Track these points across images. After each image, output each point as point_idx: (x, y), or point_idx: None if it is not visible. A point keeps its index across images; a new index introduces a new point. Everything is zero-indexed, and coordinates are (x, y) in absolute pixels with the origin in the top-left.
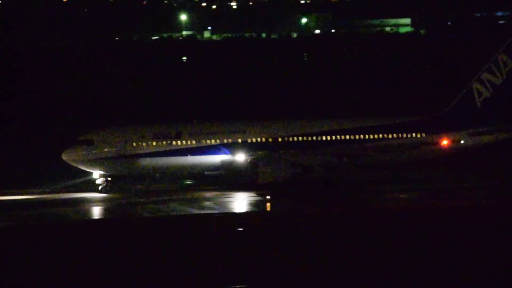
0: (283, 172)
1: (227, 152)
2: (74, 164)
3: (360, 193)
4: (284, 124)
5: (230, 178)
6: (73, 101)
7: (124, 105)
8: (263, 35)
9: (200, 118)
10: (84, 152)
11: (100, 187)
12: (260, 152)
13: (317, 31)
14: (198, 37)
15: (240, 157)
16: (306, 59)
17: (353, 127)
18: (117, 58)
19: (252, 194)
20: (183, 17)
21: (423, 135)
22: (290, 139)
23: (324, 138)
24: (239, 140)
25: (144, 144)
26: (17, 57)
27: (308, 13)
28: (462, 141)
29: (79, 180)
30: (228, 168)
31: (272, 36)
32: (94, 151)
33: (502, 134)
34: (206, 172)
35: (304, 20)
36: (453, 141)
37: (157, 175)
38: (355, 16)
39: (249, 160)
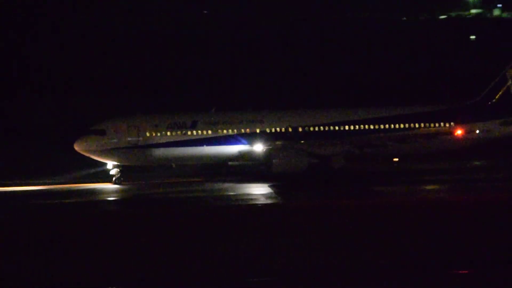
0: (299, 162)
1: (245, 142)
2: (87, 154)
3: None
4: (304, 113)
5: (251, 169)
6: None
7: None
8: None
9: (218, 107)
10: (96, 142)
11: (113, 178)
12: (277, 142)
13: None
14: (488, 15)
15: (258, 147)
16: None
17: (375, 117)
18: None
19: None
20: None
21: (451, 124)
22: (311, 129)
23: (345, 128)
24: (257, 130)
25: (158, 134)
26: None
27: None
28: (492, 131)
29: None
30: (246, 159)
31: None
32: (106, 141)
33: None
34: (229, 163)
35: None
36: (482, 131)
37: (173, 165)
38: None
39: (265, 150)
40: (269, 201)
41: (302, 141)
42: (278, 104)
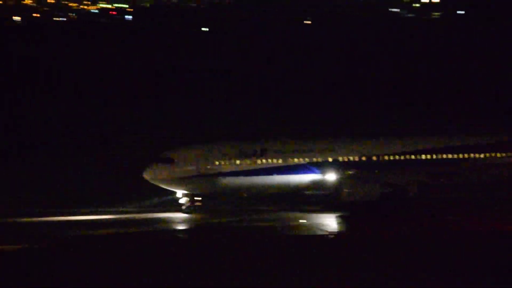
0: (370, 192)
1: (317, 171)
2: (155, 183)
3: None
4: (378, 141)
5: (327, 198)
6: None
7: None
8: None
9: (287, 135)
10: (164, 171)
11: (183, 207)
12: (350, 171)
13: None
14: None
15: (331, 176)
16: None
17: (451, 145)
18: None
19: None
20: None
21: None
22: (386, 158)
23: (421, 156)
24: (330, 159)
25: (226, 162)
26: None
27: None
28: None
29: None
30: (317, 188)
31: None
32: (174, 170)
33: None
34: (306, 192)
35: None
36: None
37: (245, 194)
38: None
39: (337, 179)
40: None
41: (375, 170)
42: (350, 132)
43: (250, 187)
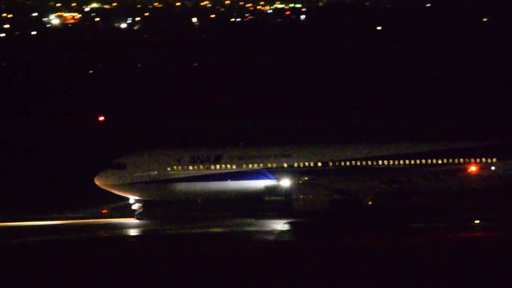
0: (319, 198)
1: (272, 177)
2: (107, 189)
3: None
4: (337, 148)
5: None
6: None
7: None
8: None
9: (246, 141)
10: (116, 177)
11: (136, 213)
12: (305, 177)
13: None
14: None
15: (285, 182)
16: None
17: (407, 152)
18: None
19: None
20: None
21: (493, 160)
22: (343, 163)
23: (377, 163)
24: (285, 165)
25: (179, 168)
26: None
27: None
28: None
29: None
30: (273, 194)
31: None
32: (126, 176)
33: None
34: (265, 198)
35: None
36: None
37: (198, 201)
38: None
39: (290, 185)
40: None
41: (330, 176)
42: (311, 138)
43: (204, 193)
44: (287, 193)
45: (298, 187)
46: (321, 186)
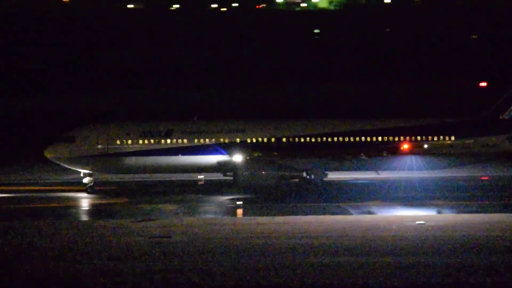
0: (265, 175)
1: (224, 152)
2: (57, 162)
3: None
4: (285, 123)
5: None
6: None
7: None
8: None
9: (201, 115)
10: (65, 150)
11: (86, 187)
12: (257, 153)
13: None
14: None
15: (238, 158)
16: None
17: (361, 129)
18: None
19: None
20: None
21: (451, 138)
22: (296, 140)
23: (329, 139)
24: (237, 140)
25: (129, 142)
26: None
27: None
28: (498, 145)
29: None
30: (224, 169)
31: None
32: (75, 149)
33: None
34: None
35: None
36: (487, 145)
37: (148, 175)
38: None
39: (240, 161)
40: None
41: (276, 153)
42: (263, 114)
43: (154, 168)
44: (234, 169)
45: (245, 163)
46: (268, 162)
